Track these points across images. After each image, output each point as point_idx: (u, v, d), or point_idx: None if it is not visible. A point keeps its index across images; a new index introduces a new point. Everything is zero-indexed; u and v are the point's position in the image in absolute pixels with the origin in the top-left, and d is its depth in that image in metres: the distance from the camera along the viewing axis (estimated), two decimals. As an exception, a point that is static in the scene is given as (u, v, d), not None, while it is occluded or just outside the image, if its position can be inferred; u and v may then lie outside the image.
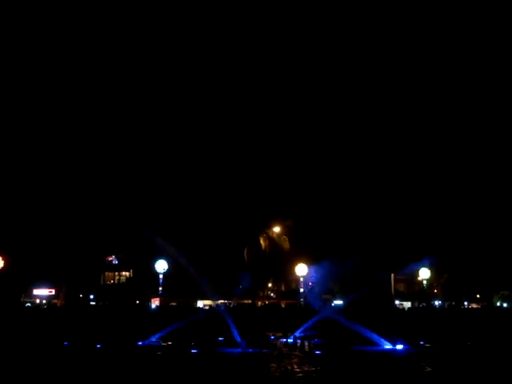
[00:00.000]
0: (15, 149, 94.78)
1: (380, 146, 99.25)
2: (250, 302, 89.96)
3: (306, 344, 58.80)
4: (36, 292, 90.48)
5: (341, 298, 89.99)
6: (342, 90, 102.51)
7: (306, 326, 64.24)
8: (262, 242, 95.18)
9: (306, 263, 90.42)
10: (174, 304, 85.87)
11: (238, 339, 55.71)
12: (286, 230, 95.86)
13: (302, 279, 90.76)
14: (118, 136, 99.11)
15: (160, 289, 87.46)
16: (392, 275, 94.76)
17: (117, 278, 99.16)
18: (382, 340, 58.99)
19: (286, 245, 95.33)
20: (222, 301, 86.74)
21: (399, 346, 57.57)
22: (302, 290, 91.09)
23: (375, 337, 59.31)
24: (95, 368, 41.18)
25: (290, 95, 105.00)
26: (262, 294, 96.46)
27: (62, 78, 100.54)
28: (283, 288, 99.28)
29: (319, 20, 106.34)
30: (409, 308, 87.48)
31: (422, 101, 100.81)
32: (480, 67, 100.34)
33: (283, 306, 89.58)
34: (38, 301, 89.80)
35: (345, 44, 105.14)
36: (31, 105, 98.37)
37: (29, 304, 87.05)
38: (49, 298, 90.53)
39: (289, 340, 61.48)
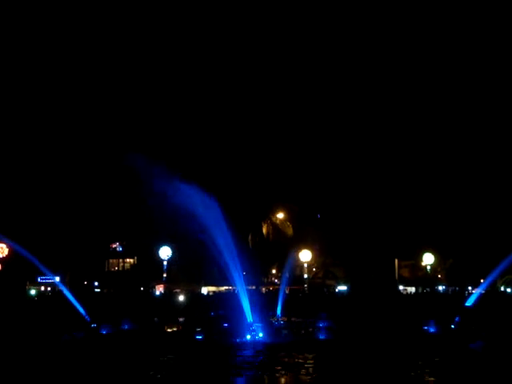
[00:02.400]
0: (17, 137, 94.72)
1: (383, 131, 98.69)
2: (254, 287, 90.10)
3: (310, 329, 59.08)
4: (41, 279, 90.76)
5: (344, 284, 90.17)
6: (343, 79, 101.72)
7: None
8: (265, 228, 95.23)
9: (310, 249, 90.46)
10: (177, 291, 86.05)
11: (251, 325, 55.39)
12: (290, 216, 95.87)
13: (305, 265, 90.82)
14: (119, 126, 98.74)
15: (164, 275, 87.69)
16: (396, 260, 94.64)
17: (121, 264, 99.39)
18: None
19: (290, 231, 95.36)
20: (227, 287, 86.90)
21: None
22: (305, 275, 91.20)
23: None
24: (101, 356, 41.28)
25: (289, 83, 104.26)
26: (266, 281, 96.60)
27: (61, 77, 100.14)
28: (287, 274, 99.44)
29: (319, 19, 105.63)
30: (413, 293, 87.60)
31: (423, 96, 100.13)
32: (480, 67, 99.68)
33: (287, 292, 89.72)
34: (42, 288, 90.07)
35: (345, 41, 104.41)
36: (33, 96, 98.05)
37: (33, 291, 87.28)
38: (54, 284, 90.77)
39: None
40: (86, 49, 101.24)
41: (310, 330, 59.22)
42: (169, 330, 59.79)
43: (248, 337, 53.08)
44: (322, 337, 55.76)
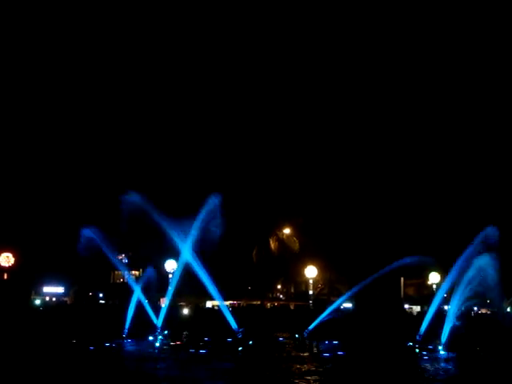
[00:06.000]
0: (21, 144, 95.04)
1: (387, 144, 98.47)
2: (258, 302, 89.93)
3: (314, 345, 58.97)
4: (46, 289, 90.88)
5: (350, 301, 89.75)
6: (345, 89, 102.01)
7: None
8: (271, 243, 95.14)
9: (316, 265, 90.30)
10: (182, 304, 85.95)
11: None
12: (296, 231, 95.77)
13: (311, 281, 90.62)
14: (122, 139, 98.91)
15: (169, 288, 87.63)
16: (402, 279, 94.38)
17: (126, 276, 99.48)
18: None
19: (296, 246, 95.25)
20: (231, 301, 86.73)
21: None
22: (310, 292, 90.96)
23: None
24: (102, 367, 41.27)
25: (293, 93, 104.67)
26: (270, 296, 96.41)
27: (60, 77, 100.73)
28: (292, 290, 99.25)
29: (319, 20, 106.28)
30: (418, 312, 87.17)
31: (422, 102, 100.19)
32: (480, 67, 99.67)
33: (292, 307, 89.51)
34: (47, 298, 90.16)
35: (345, 43, 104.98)
36: (31, 104, 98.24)
37: (38, 301, 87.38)
38: (58, 295, 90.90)
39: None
40: (85, 49, 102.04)
41: (314, 347, 59.09)
42: (172, 344, 59.63)
43: (250, 351, 53.16)
44: (326, 354, 55.56)
